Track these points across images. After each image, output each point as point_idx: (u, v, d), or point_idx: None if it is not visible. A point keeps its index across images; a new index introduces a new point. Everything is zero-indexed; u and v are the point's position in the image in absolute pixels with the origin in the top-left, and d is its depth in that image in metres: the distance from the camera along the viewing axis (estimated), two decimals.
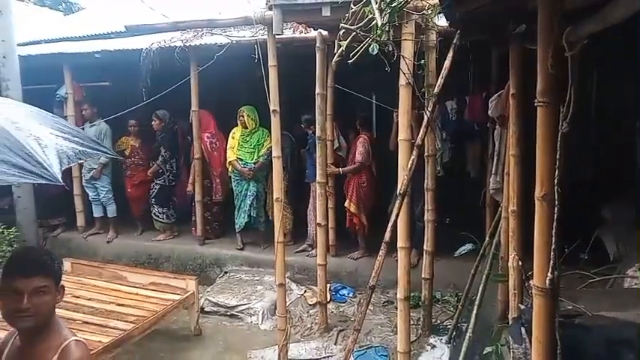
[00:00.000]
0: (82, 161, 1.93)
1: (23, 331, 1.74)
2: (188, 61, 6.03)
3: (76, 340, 1.80)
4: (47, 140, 1.70)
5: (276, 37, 3.99)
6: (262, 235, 6.23)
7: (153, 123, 6.39)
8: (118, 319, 4.21)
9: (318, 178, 4.83)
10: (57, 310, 1.83)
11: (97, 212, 6.72)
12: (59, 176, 1.59)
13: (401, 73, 3.31)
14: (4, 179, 1.44)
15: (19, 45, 6.54)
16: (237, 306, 5.23)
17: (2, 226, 6.00)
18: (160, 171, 6.38)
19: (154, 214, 6.57)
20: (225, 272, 5.96)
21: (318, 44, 4.62)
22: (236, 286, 5.59)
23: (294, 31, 5.53)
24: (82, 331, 3.80)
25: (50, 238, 6.86)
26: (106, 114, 6.59)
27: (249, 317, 5.15)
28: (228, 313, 5.24)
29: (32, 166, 1.51)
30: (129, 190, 6.67)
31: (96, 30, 7.80)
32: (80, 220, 6.85)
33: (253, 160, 5.94)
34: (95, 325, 4.08)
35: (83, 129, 6.29)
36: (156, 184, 6.47)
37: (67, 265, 5.25)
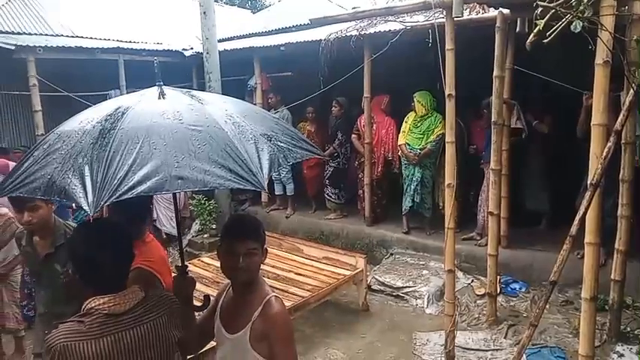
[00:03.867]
0: (291, 163, 1.99)
1: (236, 284, 2.06)
2: (362, 49, 6.24)
3: (275, 295, 2.08)
4: (264, 144, 1.80)
5: (455, 19, 3.92)
6: (428, 221, 6.24)
7: (333, 109, 6.81)
8: (296, 287, 4.67)
9: (492, 165, 4.65)
10: None
11: (278, 190, 7.44)
12: (265, 184, 1.68)
13: (598, 51, 2.99)
14: (221, 183, 1.61)
15: (218, 41, 7.50)
16: (402, 287, 5.36)
17: (204, 198, 7.06)
18: (335, 154, 6.78)
19: (327, 194, 7.03)
20: (391, 254, 6.12)
21: (498, 24, 4.42)
22: (402, 268, 5.71)
23: (469, 12, 5.35)
24: None
25: (239, 211, 7.81)
26: (288, 102, 7.21)
27: (415, 300, 5.23)
28: (394, 294, 5.40)
29: (244, 172, 1.64)
30: (305, 171, 7.23)
31: (279, 24, 8.55)
32: (264, 197, 7.67)
33: (420, 146, 5.94)
34: (278, 289, 4.56)
35: None
36: (330, 166, 6.91)
37: None
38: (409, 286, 5.35)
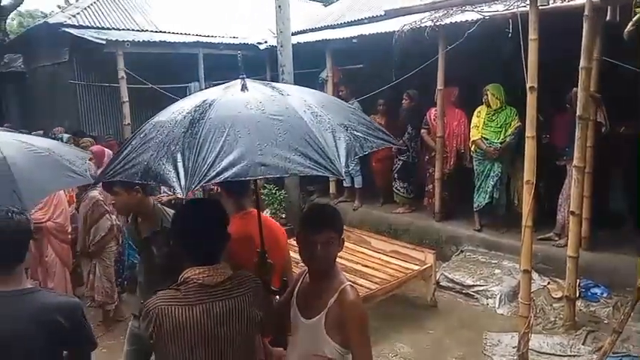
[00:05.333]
0: (367, 152, 2.03)
1: (313, 271, 2.11)
2: (436, 41, 6.10)
3: (351, 284, 2.10)
4: (341, 133, 1.85)
5: (540, 8, 3.74)
6: (502, 219, 6.02)
7: (403, 101, 6.74)
8: (364, 279, 4.69)
9: (575, 162, 4.39)
10: None
11: (346, 182, 7.47)
12: (343, 171, 1.75)
13: None
14: (301, 170, 1.69)
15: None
16: (473, 286, 5.22)
17: (275, 188, 7.25)
18: (405, 147, 6.70)
19: (396, 188, 6.98)
20: (462, 251, 5.97)
21: (586, 12, 4.15)
22: (472, 266, 5.56)
23: (554, 0, 5.07)
24: None
25: (308, 202, 7.93)
26: (358, 94, 7.20)
27: (486, 299, 5.09)
28: (464, 291, 5.28)
29: (323, 159, 1.71)
30: (373, 164, 7.20)
31: (351, 17, 8.55)
32: (332, 188, 7.75)
33: (499, 140, 5.73)
34: None
35: None
36: (399, 159, 6.84)
37: None
38: (480, 285, 5.20)
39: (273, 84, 2.15)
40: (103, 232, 4.43)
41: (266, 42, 9.00)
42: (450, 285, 5.38)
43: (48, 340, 1.86)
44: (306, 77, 7.43)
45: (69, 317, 1.90)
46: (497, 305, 4.99)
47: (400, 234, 6.68)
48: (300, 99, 1.98)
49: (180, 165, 1.61)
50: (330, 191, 7.81)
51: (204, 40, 8.51)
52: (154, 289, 2.65)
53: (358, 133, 1.97)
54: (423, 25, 6.06)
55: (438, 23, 5.92)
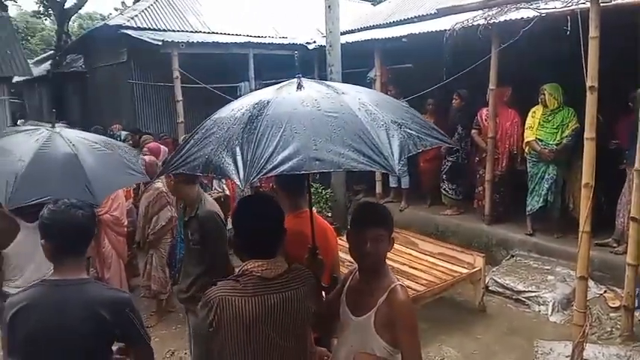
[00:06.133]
0: (420, 150, 2.04)
1: (362, 269, 2.12)
2: (489, 39, 5.96)
3: (401, 284, 2.09)
4: (394, 131, 1.87)
5: (601, 4, 3.59)
6: (556, 223, 5.80)
7: (454, 101, 6.62)
8: (410, 280, 4.64)
9: (636, 165, 4.17)
10: None
11: (392, 182, 7.43)
12: (397, 168, 1.77)
13: None
14: (355, 165, 1.73)
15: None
16: (524, 291, 5.07)
17: (321, 187, 7.29)
18: (454, 148, 6.58)
19: (444, 189, 6.86)
20: (512, 255, 5.80)
21: None
22: (524, 271, 5.39)
23: None
24: None
25: (353, 201, 7.93)
26: (407, 94, 7.14)
27: (538, 306, 4.92)
28: (514, 297, 5.13)
29: (377, 156, 1.74)
30: (421, 164, 7.11)
31: (400, 16, 8.49)
32: (378, 188, 7.71)
33: (555, 141, 5.52)
34: None
35: None
36: (448, 160, 6.72)
37: None
38: (531, 291, 5.03)
39: (329, 83, 2.21)
40: (164, 222, 4.64)
41: (315, 42, 9.07)
42: (500, 290, 5.24)
43: (92, 331, 1.92)
44: (354, 77, 7.41)
45: (113, 312, 1.94)
46: (549, 312, 4.82)
47: (448, 236, 6.56)
48: (354, 97, 2.00)
49: (239, 158, 1.67)
50: (377, 191, 7.77)
51: (255, 40, 8.67)
52: (189, 273, 3.08)
53: (412, 132, 1.97)
54: (475, 23, 5.93)
55: (491, 21, 5.78)
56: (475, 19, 6.01)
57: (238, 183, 1.64)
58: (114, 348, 2.04)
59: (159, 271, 4.72)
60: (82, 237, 2.02)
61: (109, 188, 3.08)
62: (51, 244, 1.97)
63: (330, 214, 7.39)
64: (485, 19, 5.85)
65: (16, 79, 11.58)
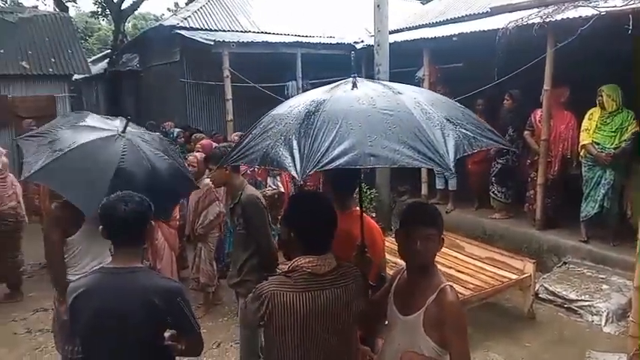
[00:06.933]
0: (475, 151, 2.02)
1: (412, 268, 2.11)
2: (544, 39, 5.76)
3: (450, 285, 2.07)
4: (449, 130, 1.88)
5: None
6: (612, 230, 5.55)
7: (505, 102, 6.46)
8: (457, 284, 4.55)
9: None
10: None
11: (439, 184, 7.32)
12: (452, 165, 1.78)
13: None
14: (409, 162, 1.73)
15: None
16: (576, 300, 4.88)
17: (366, 187, 7.26)
18: (505, 150, 6.41)
19: (493, 192, 6.70)
20: (565, 263, 5.59)
21: None
22: (576, 279, 5.19)
23: None
24: None
25: (398, 202, 7.87)
26: (457, 94, 7.00)
27: (591, 315, 4.73)
28: (565, 306, 4.95)
29: (432, 153, 1.75)
30: (469, 166, 6.97)
31: (450, 15, 8.35)
32: (424, 190, 7.61)
33: (613, 145, 5.27)
34: None
35: None
36: (498, 162, 6.56)
37: None
38: (585, 300, 4.84)
39: (384, 82, 2.25)
40: (212, 217, 4.79)
41: (362, 41, 9.05)
42: (551, 298, 5.06)
43: (145, 317, 2.00)
44: (402, 76, 7.30)
45: (165, 300, 2.02)
46: (603, 323, 4.62)
47: (495, 240, 6.39)
48: (410, 97, 2.02)
49: (296, 152, 1.72)
50: (422, 192, 7.67)
51: (303, 40, 8.75)
52: (238, 258, 3.29)
53: (467, 131, 1.96)
54: (530, 21, 5.76)
55: (547, 20, 5.59)
56: (530, 17, 5.85)
57: (295, 175, 1.68)
58: (166, 334, 2.10)
59: (207, 264, 4.86)
60: (126, 229, 2.08)
61: (177, 199, 3.27)
62: (104, 233, 2.11)
63: (374, 215, 7.35)
64: (541, 17, 5.67)
65: (75, 76, 12.17)
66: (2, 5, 18.95)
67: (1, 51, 10.83)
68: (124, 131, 3.02)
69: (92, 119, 3.22)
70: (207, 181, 4.61)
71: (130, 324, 2.00)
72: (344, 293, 2.00)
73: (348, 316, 2.02)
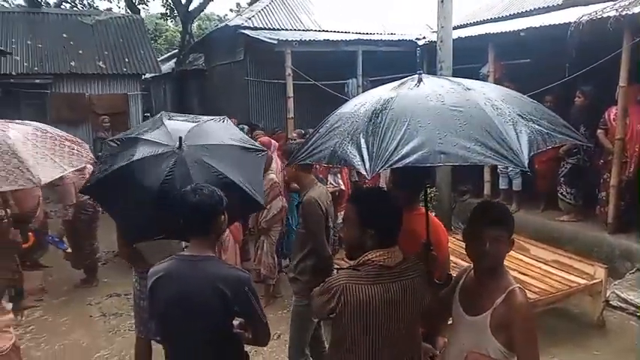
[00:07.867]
0: (549, 147, 1.94)
1: (480, 268, 2.08)
2: (620, 33, 5.44)
3: (520, 287, 2.03)
4: (522, 126, 1.82)
5: None
6: None
7: (576, 99, 6.16)
8: (522, 287, 4.41)
9: None
10: None
11: (503, 184, 7.09)
12: (526, 163, 1.71)
13: None
14: (481, 160, 1.69)
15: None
16: None
17: (426, 186, 7.16)
18: (575, 150, 6.12)
19: (561, 193, 6.41)
20: (639, 269, 5.28)
21: None
22: None
23: None
24: None
25: (459, 202, 7.70)
26: (524, 91, 6.73)
27: None
28: (638, 314, 4.67)
29: (504, 150, 1.69)
30: (536, 165, 6.68)
31: (516, 9, 8.05)
32: (487, 189, 7.40)
33: None
34: None
35: None
36: (567, 162, 6.27)
37: None
38: None
39: (452, 78, 2.20)
40: (275, 211, 4.92)
41: (424, 38, 8.92)
42: (623, 305, 4.80)
43: (215, 304, 2.10)
44: (465, 73, 7.13)
45: (232, 288, 2.10)
46: None
47: (563, 244, 6.10)
48: (479, 92, 1.97)
49: (364, 150, 1.73)
50: (485, 192, 7.46)
51: (364, 37, 8.74)
52: (295, 256, 3.38)
53: (541, 127, 1.90)
54: (605, 15, 5.46)
55: (624, 13, 5.28)
56: (605, 10, 5.54)
57: (364, 173, 1.69)
58: (235, 322, 2.19)
59: (268, 257, 5.00)
60: (195, 218, 2.17)
61: (262, 193, 2.98)
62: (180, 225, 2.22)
63: (434, 214, 7.23)
64: (617, 10, 5.36)
65: (145, 75, 12.81)
66: (80, 8, 20.24)
67: (80, 52, 11.62)
68: (179, 147, 2.68)
69: (162, 129, 2.89)
70: (272, 176, 4.73)
71: (202, 310, 2.11)
72: (411, 285, 2.03)
73: (414, 308, 2.05)
